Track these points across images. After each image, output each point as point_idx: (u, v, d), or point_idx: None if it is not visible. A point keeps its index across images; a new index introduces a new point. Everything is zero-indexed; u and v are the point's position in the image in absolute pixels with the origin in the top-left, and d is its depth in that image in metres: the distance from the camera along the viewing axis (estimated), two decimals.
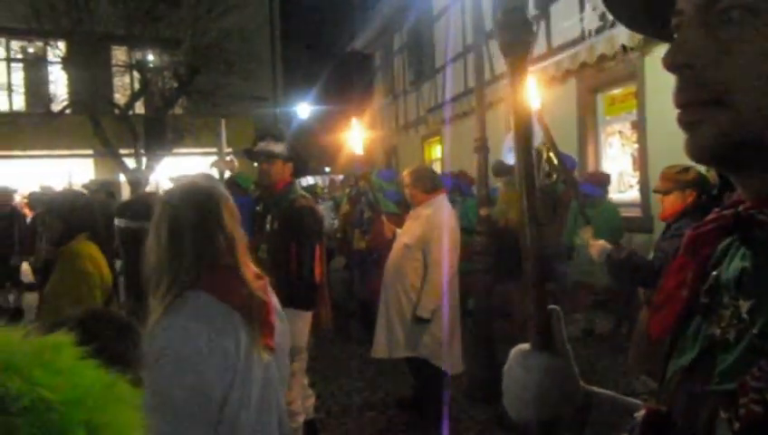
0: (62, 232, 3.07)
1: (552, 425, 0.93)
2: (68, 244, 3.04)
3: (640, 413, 0.81)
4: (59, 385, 0.56)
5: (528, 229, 0.98)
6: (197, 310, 1.69)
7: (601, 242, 3.75)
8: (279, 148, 3.95)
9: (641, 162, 8.00)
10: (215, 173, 6.51)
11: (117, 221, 2.63)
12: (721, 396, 0.64)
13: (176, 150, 14.07)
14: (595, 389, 0.97)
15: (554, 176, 6.62)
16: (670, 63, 0.68)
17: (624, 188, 9.08)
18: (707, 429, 0.65)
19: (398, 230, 5.01)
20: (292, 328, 3.04)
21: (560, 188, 6.84)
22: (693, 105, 0.67)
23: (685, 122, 0.68)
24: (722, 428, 0.63)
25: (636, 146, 8.46)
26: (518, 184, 1.00)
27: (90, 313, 1.52)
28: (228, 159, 6.80)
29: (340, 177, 13.41)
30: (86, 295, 2.87)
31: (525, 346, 0.97)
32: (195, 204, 1.82)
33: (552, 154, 4.79)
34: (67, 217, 3.06)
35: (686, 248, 0.78)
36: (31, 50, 15.46)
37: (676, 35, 0.70)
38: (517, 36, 0.98)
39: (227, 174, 6.76)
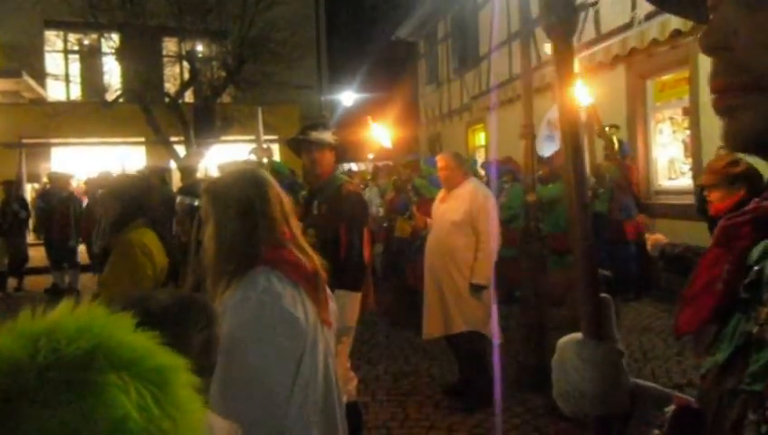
0: (120, 214, 3.05)
1: (608, 418, 0.88)
2: (123, 230, 3.01)
3: (670, 408, 0.76)
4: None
5: (578, 216, 0.94)
6: (267, 285, 1.73)
7: (656, 235, 3.66)
8: (329, 136, 4.06)
9: (694, 149, 7.82)
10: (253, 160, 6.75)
11: (179, 198, 2.64)
12: (751, 397, 0.61)
13: (224, 138, 14.38)
14: (639, 381, 0.92)
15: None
16: (706, 45, 0.63)
17: (675, 175, 8.90)
18: (735, 430, 0.62)
19: (429, 220, 5.14)
20: (343, 308, 3.12)
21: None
22: (732, 90, 0.61)
23: (722, 108, 0.62)
24: (749, 430, 0.60)
25: (687, 132, 8.27)
26: (565, 172, 0.95)
27: (178, 300, 1.42)
28: (265, 146, 7.01)
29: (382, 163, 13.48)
30: (135, 286, 2.79)
31: (578, 336, 0.91)
32: (248, 186, 1.86)
33: (615, 139, 4.98)
34: (124, 200, 3.05)
35: (719, 240, 0.73)
36: (87, 42, 15.90)
37: (712, 15, 0.65)
38: (561, 16, 0.92)
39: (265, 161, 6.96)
